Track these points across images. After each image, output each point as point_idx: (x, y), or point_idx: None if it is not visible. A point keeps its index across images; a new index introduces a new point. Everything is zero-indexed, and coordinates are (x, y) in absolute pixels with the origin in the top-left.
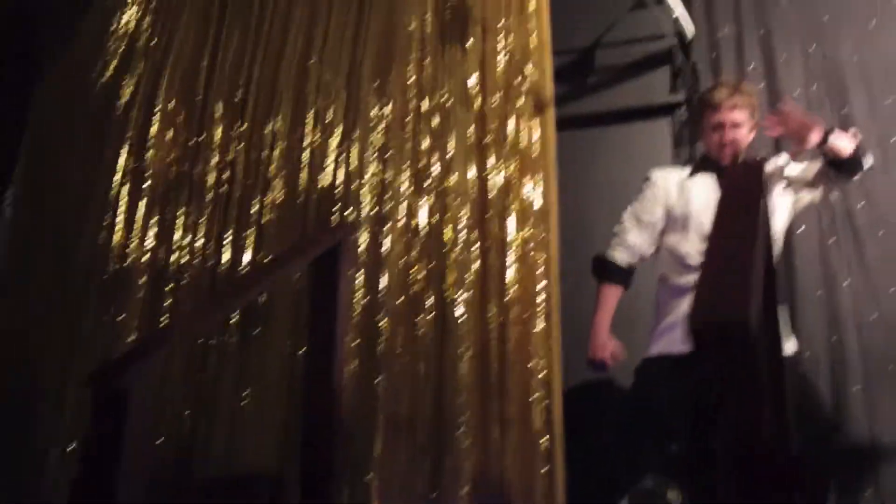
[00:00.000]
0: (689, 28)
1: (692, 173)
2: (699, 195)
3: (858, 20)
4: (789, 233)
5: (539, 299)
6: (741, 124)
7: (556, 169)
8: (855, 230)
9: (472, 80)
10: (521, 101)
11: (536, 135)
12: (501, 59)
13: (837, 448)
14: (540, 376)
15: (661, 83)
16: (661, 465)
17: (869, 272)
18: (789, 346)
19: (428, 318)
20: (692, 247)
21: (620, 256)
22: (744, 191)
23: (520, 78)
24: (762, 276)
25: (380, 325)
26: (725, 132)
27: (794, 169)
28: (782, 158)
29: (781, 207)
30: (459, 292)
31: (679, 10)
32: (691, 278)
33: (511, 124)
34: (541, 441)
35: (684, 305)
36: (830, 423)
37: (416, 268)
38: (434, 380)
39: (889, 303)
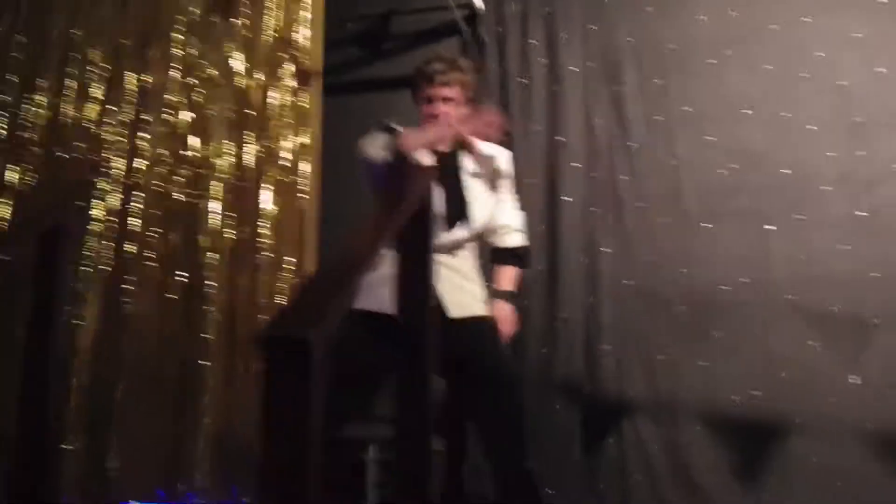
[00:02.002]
0: (478, 2)
1: None
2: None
3: (636, 4)
4: (556, 202)
5: (291, 266)
6: (452, 99)
7: (320, 139)
8: (617, 201)
9: (237, 54)
10: (286, 74)
11: (299, 103)
12: (268, 32)
13: (588, 401)
14: None
15: (451, 52)
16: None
17: (628, 240)
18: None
19: (177, 280)
20: None
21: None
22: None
23: (286, 51)
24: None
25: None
26: (436, 106)
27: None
28: (497, 151)
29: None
30: (210, 258)
31: None
32: None
33: (275, 96)
34: None
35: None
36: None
37: (169, 234)
38: (182, 340)
39: (643, 270)
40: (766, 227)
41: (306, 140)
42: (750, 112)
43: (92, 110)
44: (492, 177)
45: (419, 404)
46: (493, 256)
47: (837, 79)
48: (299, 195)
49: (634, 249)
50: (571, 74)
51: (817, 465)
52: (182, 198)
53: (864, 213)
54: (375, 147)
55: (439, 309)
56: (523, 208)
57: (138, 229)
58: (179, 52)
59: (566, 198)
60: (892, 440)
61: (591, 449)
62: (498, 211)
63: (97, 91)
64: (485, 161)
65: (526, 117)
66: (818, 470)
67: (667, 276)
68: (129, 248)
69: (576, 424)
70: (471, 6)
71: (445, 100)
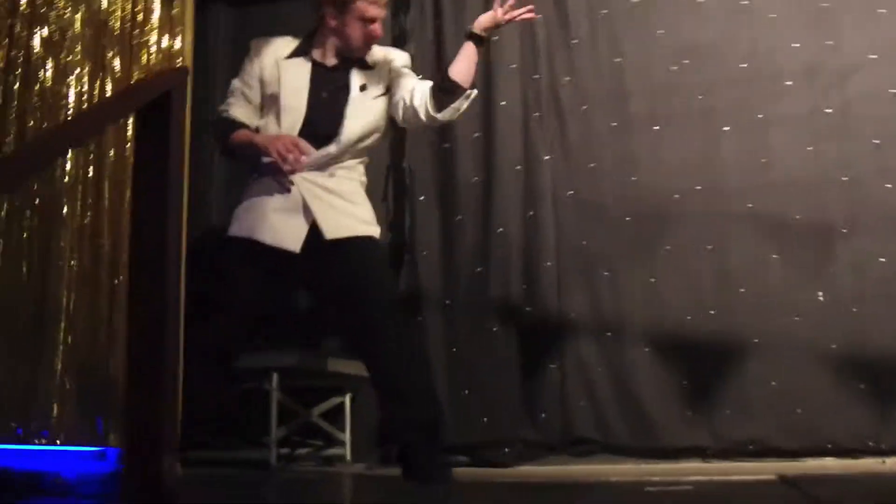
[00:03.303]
0: None
1: (291, 55)
2: (291, 79)
3: None
4: (491, 106)
5: None
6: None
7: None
8: (559, 106)
9: None
10: None
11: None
12: None
13: (527, 323)
14: None
15: None
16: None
17: (569, 147)
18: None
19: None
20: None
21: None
22: None
23: None
24: None
25: None
26: (376, 26)
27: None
28: (396, 54)
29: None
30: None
31: None
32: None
33: None
34: None
35: (268, 188)
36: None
37: None
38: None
39: (586, 179)
40: (722, 128)
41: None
42: (701, 1)
43: None
44: (387, 79)
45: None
46: (439, 89)
47: None
48: None
49: (577, 157)
50: None
51: (776, 391)
52: None
53: (831, 110)
54: None
55: (315, 230)
56: None
57: None
58: None
59: (502, 102)
60: (858, 362)
61: (531, 374)
62: (411, 96)
63: None
64: (376, 71)
65: (459, 15)
66: (777, 395)
67: (612, 185)
68: None
69: (514, 348)
70: None
71: (375, 20)
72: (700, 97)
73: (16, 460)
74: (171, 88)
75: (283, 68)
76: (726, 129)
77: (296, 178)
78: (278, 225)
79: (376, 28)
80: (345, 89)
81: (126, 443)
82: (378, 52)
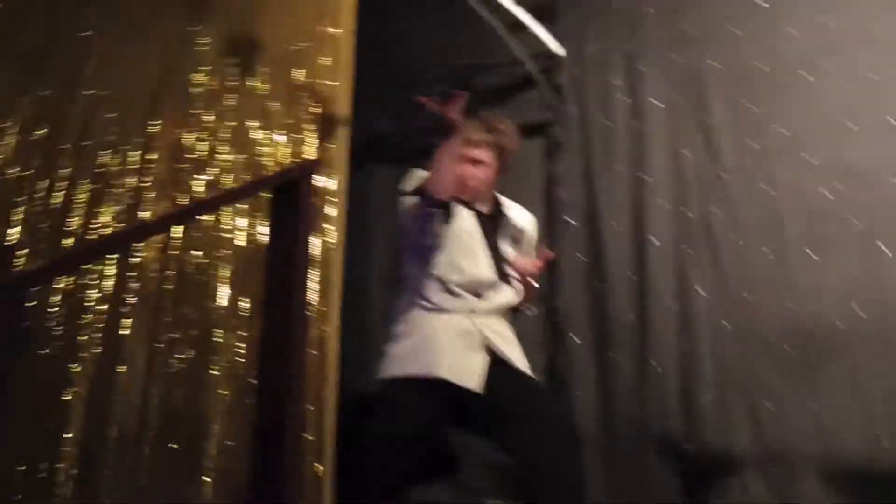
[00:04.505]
0: (557, 48)
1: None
2: (460, 219)
3: (720, 26)
4: (643, 243)
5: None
6: (483, 162)
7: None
8: (711, 238)
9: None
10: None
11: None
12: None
13: (690, 458)
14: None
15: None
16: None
17: (724, 279)
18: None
19: None
20: (454, 269)
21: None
22: None
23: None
24: None
25: None
26: (466, 168)
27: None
28: (529, 224)
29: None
30: None
31: (543, 34)
32: (449, 299)
33: None
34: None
35: (441, 325)
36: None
37: None
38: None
39: (742, 310)
40: (880, 248)
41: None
42: (852, 126)
43: None
44: (520, 246)
45: None
46: None
47: None
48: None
49: (732, 288)
50: (655, 109)
51: None
52: None
53: None
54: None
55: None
56: (609, 254)
57: None
58: None
59: (654, 239)
60: None
61: None
62: None
63: None
64: (517, 232)
65: (608, 158)
66: None
67: (769, 315)
68: None
69: (675, 489)
70: (549, 54)
71: (476, 162)
72: (856, 220)
73: None
74: (301, 177)
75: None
76: (886, 250)
77: (474, 318)
78: (460, 364)
79: (465, 169)
80: (495, 234)
81: None
82: (514, 211)
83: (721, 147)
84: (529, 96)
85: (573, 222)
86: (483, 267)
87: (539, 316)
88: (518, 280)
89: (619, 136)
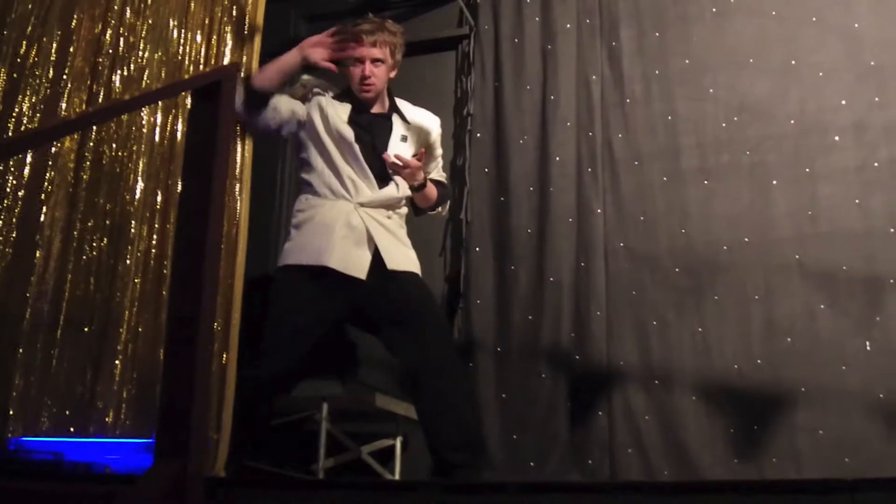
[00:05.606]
0: None
1: (336, 97)
2: (334, 112)
3: None
4: (547, 160)
5: None
6: (382, 61)
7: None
8: (612, 160)
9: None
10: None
11: None
12: None
13: (576, 371)
14: None
15: (446, 19)
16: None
17: (621, 201)
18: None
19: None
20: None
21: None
22: None
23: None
24: None
25: None
26: (366, 67)
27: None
28: (432, 124)
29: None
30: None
31: None
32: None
33: None
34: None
35: (330, 216)
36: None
37: None
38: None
39: (637, 231)
40: (771, 182)
41: None
42: (752, 61)
43: None
44: (422, 145)
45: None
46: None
47: (848, 21)
48: None
49: (628, 210)
50: (565, 32)
51: (824, 439)
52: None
53: (878, 164)
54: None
55: (375, 261)
56: (514, 169)
57: None
58: None
59: (557, 157)
60: None
61: (579, 421)
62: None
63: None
64: (417, 131)
65: (518, 76)
66: (825, 444)
67: (663, 237)
68: None
69: (563, 395)
70: None
71: (374, 61)
72: (750, 152)
73: (70, 450)
74: (222, 79)
75: (325, 103)
76: (776, 183)
77: (360, 211)
78: (345, 253)
79: (366, 69)
80: (385, 134)
81: (157, 437)
82: (415, 113)
83: (626, 73)
84: (444, 10)
85: (480, 135)
86: (361, 163)
87: (442, 223)
88: (396, 173)
89: (530, 55)
